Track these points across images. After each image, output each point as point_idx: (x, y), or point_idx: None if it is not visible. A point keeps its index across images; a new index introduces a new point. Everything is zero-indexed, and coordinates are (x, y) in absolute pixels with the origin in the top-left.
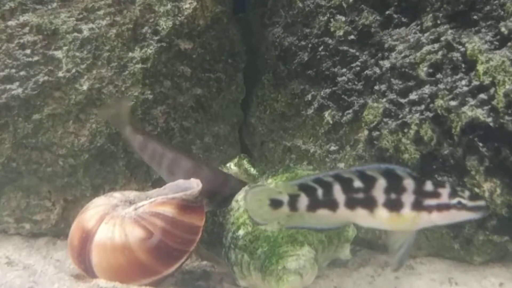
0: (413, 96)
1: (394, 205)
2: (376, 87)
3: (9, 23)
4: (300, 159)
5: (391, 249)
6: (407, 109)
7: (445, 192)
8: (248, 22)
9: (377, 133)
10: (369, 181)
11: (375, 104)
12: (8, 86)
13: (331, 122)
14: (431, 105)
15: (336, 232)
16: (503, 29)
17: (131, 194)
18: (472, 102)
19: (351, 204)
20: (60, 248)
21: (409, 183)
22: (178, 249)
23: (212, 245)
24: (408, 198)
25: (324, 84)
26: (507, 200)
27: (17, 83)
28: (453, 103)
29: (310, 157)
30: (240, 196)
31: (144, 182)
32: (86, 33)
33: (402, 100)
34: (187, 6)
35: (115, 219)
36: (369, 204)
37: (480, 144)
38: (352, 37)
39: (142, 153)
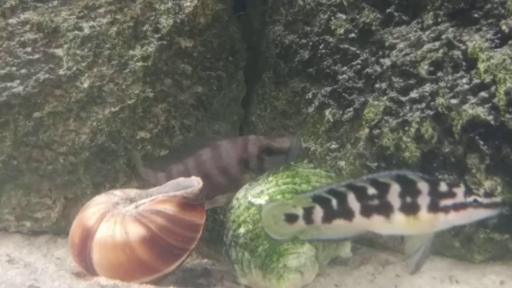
0: (413, 94)
1: (410, 209)
2: (377, 85)
3: (10, 21)
4: (301, 157)
5: (408, 252)
6: (407, 107)
7: (460, 191)
8: (249, 20)
9: (378, 131)
10: (382, 188)
11: (376, 102)
12: (9, 84)
13: (331, 120)
14: (432, 103)
15: None
16: (504, 27)
17: (132, 192)
18: (473, 100)
19: (367, 211)
20: (61, 246)
21: (423, 186)
22: (179, 247)
23: (213, 243)
24: (424, 200)
25: (324, 82)
26: (508, 198)
27: (18, 81)
28: (453, 101)
29: (311, 155)
30: (240, 194)
31: (145, 180)
32: (86, 31)
33: (403, 98)
34: (188, 4)
35: (116, 217)
36: (385, 210)
37: (481, 142)
38: (352, 35)
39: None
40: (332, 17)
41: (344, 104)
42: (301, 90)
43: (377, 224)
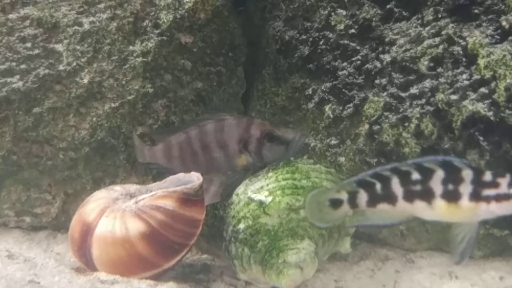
0: (413, 90)
1: (452, 196)
2: (377, 81)
3: (10, 16)
4: (301, 153)
5: (453, 242)
6: (407, 103)
7: (504, 182)
8: (249, 16)
9: (378, 127)
10: (426, 173)
11: (376, 98)
12: (8, 79)
13: (331, 116)
14: (432, 99)
15: (337, 226)
16: (504, 23)
17: (132, 187)
18: (473, 96)
19: (410, 196)
20: (61, 241)
21: (467, 174)
22: (178, 242)
23: (213, 239)
24: (466, 188)
25: (324, 78)
26: None
27: (18, 76)
28: (453, 97)
29: (311, 151)
30: (240, 189)
31: (145, 175)
32: (86, 26)
33: (403, 94)
34: None
35: (115, 213)
36: (427, 196)
37: (481, 138)
38: (353, 31)
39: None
40: (332, 13)
41: (344, 100)
42: (301, 86)
43: (419, 210)
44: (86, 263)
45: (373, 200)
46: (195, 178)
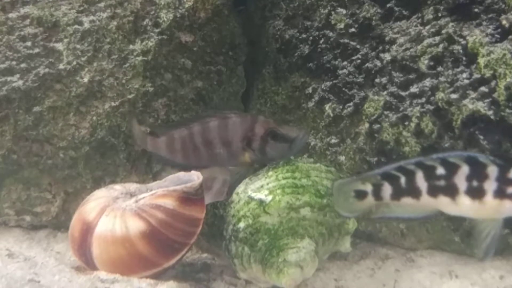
0: (414, 89)
1: (476, 193)
2: (377, 80)
3: (10, 15)
4: (301, 151)
5: (477, 238)
6: (408, 102)
7: None
8: (249, 15)
9: (378, 126)
10: (451, 168)
11: (376, 97)
12: (8, 78)
13: (331, 115)
14: (432, 98)
15: (337, 225)
16: (504, 22)
17: (132, 186)
18: (473, 95)
19: (434, 191)
20: (61, 240)
21: (492, 170)
22: (178, 241)
23: (213, 238)
24: (490, 185)
25: (324, 77)
26: None
27: (18, 75)
28: (454, 96)
29: (311, 150)
30: (240, 188)
31: (145, 174)
32: (86, 25)
33: (403, 93)
34: None
35: (116, 211)
36: (451, 191)
37: (481, 137)
38: (353, 30)
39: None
40: (332, 12)
41: (344, 99)
42: (301, 85)
43: (444, 205)
44: (86, 262)
45: (397, 194)
46: (195, 177)
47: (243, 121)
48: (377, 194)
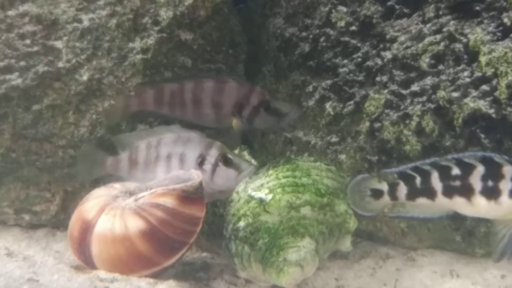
0: (414, 87)
1: (491, 193)
2: (378, 78)
3: (9, 13)
4: (301, 150)
5: (493, 239)
6: (408, 100)
7: None
8: (249, 13)
9: (379, 124)
10: (466, 169)
11: (377, 95)
12: (7, 77)
13: (332, 113)
14: (433, 96)
15: (337, 224)
16: (505, 20)
17: (132, 185)
18: (474, 93)
19: (449, 192)
20: (60, 239)
21: (508, 170)
22: (178, 240)
23: (213, 237)
24: (506, 185)
25: (325, 75)
26: None
27: (17, 74)
28: (455, 94)
29: (311, 148)
30: (240, 187)
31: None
32: (86, 23)
33: (404, 91)
34: None
35: (115, 210)
36: (467, 192)
37: (482, 136)
38: (353, 28)
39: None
40: (333, 10)
41: (344, 97)
42: (301, 83)
43: (459, 206)
44: (86, 261)
45: (413, 194)
46: (195, 176)
47: (240, 88)
48: (392, 193)
